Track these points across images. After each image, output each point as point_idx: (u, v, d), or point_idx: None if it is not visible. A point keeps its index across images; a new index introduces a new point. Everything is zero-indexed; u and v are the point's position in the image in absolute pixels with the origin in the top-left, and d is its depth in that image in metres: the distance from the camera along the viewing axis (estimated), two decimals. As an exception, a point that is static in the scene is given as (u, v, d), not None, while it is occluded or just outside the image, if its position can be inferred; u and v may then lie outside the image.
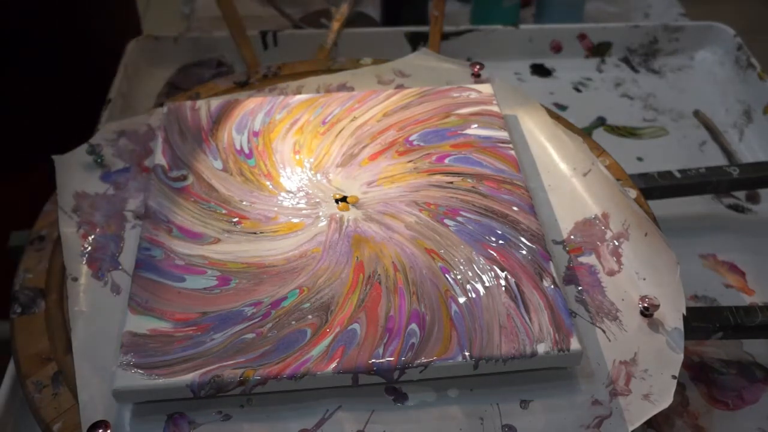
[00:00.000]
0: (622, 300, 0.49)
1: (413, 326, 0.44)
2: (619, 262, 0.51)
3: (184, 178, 0.54)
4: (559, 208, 0.55)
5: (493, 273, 0.47)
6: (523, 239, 0.49)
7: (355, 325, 0.44)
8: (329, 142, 0.58)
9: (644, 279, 0.50)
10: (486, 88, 0.61)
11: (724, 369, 0.55)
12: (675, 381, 0.44)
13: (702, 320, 0.49)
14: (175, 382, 0.42)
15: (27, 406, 0.45)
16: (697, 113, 0.80)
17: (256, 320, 0.45)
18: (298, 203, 0.53)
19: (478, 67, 0.66)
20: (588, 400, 0.44)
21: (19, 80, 0.75)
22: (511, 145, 0.56)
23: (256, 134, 0.58)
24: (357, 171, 0.55)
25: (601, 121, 0.79)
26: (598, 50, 0.86)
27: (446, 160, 0.55)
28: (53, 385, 0.45)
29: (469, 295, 0.46)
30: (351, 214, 0.52)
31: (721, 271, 0.63)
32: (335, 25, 0.83)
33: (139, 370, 0.42)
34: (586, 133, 0.64)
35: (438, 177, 0.54)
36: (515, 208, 0.51)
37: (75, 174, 0.57)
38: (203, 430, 0.42)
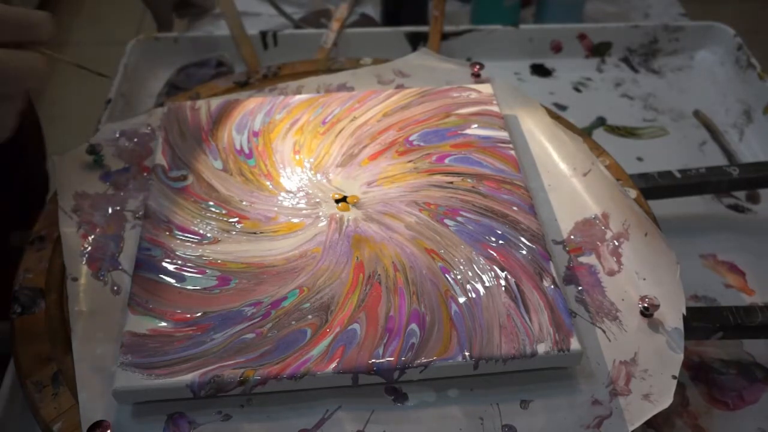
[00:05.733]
0: (622, 300, 0.49)
1: (413, 326, 0.44)
2: (619, 262, 0.51)
3: (184, 178, 0.54)
4: (559, 208, 0.55)
5: (493, 273, 0.47)
6: (523, 239, 0.49)
7: (355, 325, 0.44)
8: (329, 142, 0.58)
9: (644, 279, 0.50)
10: (486, 88, 0.61)
11: (724, 369, 0.55)
12: (675, 381, 0.44)
13: (702, 320, 0.49)
14: (175, 382, 0.42)
15: (27, 406, 0.45)
16: (697, 113, 0.80)
17: (256, 320, 0.45)
18: (298, 203, 0.53)
19: (478, 67, 0.66)
20: (588, 400, 0.44)
21: None
22: (511, 145, 0.56)
23: (256, 134, 0.58)
24: (357, 171, 0.55)
25: (601, 121, 0.79)
26: (598, 50, 0.86)
27: (446, 160, 0.55)
28: (53, 385, 0.45)
29: (469, 295, 0.46)
30: (351, 214, 0.52)
31: (721, 271, 0.63)
32: (335, 25, 0.83)
33: (139, 370, 0.42)
34: (586, 133, 0.64)
35: (438, 177, 0.54)
36: (515, 208, 0.51)
37: (75, 174, 0.57)
38: (203, 430, 0.43)
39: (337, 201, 0.53)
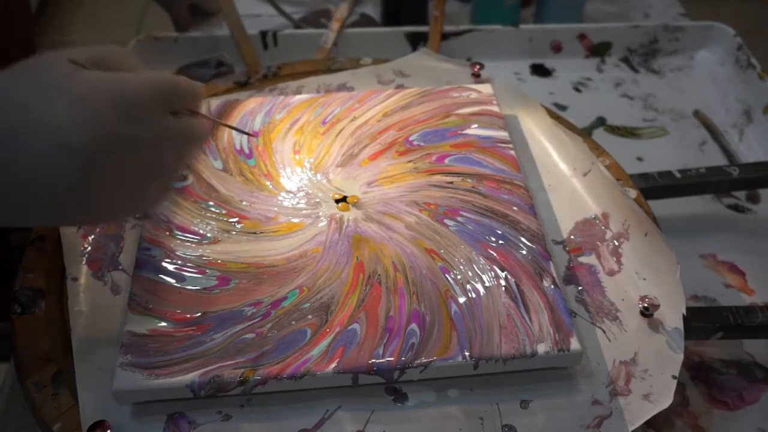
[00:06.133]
0: (622, 300, 0.49)
1: (413, 326, 0.44)
2: (619, 262, 0.51)
3: (184, 178, 0.54)
4: (559, 208, 0.55)
5: (493, 273, 0.47)
6: (523, 239, 0.49)
7: (355, 325, 0.44)
8: (329, 142, 0.58)
9: (644, 279, 0.50)
10: (486, 88, 0.61)
11: (724, 369, 0.55)
12: (675, 381, 0.44)
13: (702, 320, 0.49)
14: (175, 382, 0.42)
15: (27, 407, 0.45)
16: (697, 113, 0.80)
17: (256, 320, 0.45)
18: (298, 203, 0.53)
19: (478, 67, 0.66)
20: (588, 400, 0.44)
21: None
22: (511, 145, 0.56)
23: (256, 134, 0.58)
24: (357, 171, 0.55)
25: (601, 121, 0.78)
26: (598, 50, 0.86)
27: (446, 160, 0.55)
28: (53, 385, 0.45)
29: (469, 295, 0.46)
30: (351, 214, 0.52)
31: (721, 271, 0.63)
32: (335, 25, 0.83)
33: (139, 370, 0.42)
34: (586, 133, 0.64)
35: (438, 177, 0.54)
36: (515, 208, 0.51)
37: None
38: (203, 430, 0.43)
39: (337, 201, 0.53)
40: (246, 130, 0.53)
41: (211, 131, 0.42)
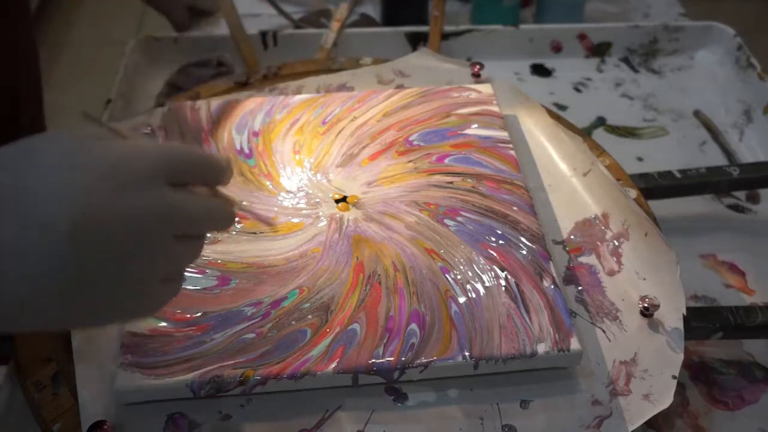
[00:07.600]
0: (622, 300, 0.49)
1: (413, 326, 0.44)
2: (619, 262, 0.51)
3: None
4: (559, 208, 0.55)
5: (493, 273, 0.47)
6: (523, 239, 0.49)
7: (355, 325, 0.44)
8: (329, 142, 0.58)
9: (644, 279, 0.50)
10: (486, 88, 0.61)
11: (724, 369, 0.55)
12: (675, 381, 0.44)
13: (702, 320, 0.49)
14: (175, 382, 0.42)
15: (27, 406, 0.45)
16: (697, 113, 0.80)
17: (256, 320, 0.45)
18: (298, 203, 0.53)
19: (478, 67, 0.66)
20: (588, 400, 0.44)
21: None
22: (511, 145, 0.56)
23: (256, 134, 0.58)
24: (357, 171, 0.55)
25: (601, 121, 0.78)
26: (598, 50, 0.86)
27: (446, 160, 0.55)
28: (53, 385, 0.45)
29: (469, 295, 0.46)
30: (351, 214, 0.52)
31: (721, 271, 0.63)
32: (335, 25, 0.83)
33: (139, 370, 0.42)
34: (586, 133, 0.64)
35: (438, 177, 0.54)
36: (515, 208, 0.51)
37: (75, 174, 0.57)
38: (203, 430, 0.42)
39: (337, 201, 0.53)
40: (265, 217, 0.47)
41: (232, 215, 0.37)
